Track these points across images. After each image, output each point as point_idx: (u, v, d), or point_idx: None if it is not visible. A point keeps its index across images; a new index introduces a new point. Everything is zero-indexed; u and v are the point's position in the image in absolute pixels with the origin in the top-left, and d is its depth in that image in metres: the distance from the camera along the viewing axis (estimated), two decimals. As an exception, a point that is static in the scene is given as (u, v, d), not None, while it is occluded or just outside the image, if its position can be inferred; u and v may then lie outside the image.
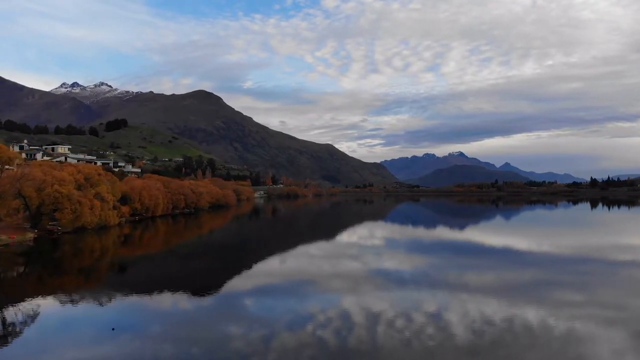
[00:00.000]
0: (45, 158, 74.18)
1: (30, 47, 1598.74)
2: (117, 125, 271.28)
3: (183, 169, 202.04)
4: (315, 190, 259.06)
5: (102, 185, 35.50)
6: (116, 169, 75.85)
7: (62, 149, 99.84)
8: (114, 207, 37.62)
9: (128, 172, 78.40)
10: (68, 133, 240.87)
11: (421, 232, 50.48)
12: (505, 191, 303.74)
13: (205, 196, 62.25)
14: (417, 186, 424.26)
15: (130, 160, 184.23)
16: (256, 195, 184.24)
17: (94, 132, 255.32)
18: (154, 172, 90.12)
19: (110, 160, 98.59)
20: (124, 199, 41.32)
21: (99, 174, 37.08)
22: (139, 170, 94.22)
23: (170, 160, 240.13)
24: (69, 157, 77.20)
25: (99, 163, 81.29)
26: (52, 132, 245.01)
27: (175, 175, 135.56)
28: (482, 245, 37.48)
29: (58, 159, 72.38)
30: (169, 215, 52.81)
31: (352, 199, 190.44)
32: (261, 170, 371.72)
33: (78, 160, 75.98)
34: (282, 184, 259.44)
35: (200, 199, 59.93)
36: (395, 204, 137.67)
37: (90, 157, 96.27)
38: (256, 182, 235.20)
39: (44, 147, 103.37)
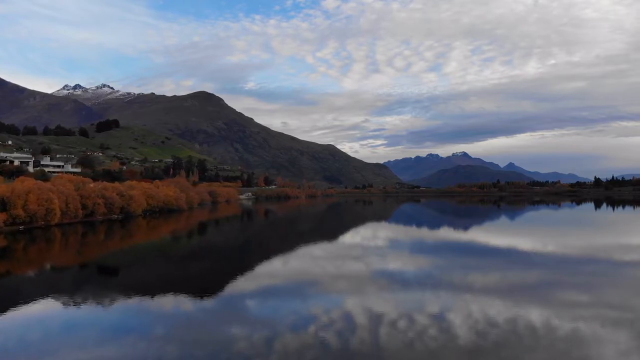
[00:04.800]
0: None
1: (34, 50, 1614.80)
2: (108, 126, 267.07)
3: (171, 169, 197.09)
4: (309, 191, 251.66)
5: None
6: (37, 168, 70.17)
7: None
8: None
9: (54, 172, 71.89)
10: (57, 134, 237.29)
11: (424, 233, 49.17)
12: (507, 191, 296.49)
13: (139, 199, 55.70)
14: (417, 187, 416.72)
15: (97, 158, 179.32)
16: (243, 196, 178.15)
17: (84, 133, 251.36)
18: (109, 173, 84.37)
19: (31, 157, 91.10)
20: (3, 205, 35.61)
21: None
22: (79, 170, 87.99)
23: (160, 161, 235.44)
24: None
25: (16, 162, 75.22)
26: (41, 133, 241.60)
27: (158, 177, 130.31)
28: (485, 245, 36.74)
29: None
30: (82, 223, 46.35)
31: (350, 200, 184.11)
32: (262, 171, 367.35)
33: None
34: (275, 184, 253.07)
35: (132, 202, 53.53)
36: (396, 205, 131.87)
37: (14, 155, 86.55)
38: (248, 183, 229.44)
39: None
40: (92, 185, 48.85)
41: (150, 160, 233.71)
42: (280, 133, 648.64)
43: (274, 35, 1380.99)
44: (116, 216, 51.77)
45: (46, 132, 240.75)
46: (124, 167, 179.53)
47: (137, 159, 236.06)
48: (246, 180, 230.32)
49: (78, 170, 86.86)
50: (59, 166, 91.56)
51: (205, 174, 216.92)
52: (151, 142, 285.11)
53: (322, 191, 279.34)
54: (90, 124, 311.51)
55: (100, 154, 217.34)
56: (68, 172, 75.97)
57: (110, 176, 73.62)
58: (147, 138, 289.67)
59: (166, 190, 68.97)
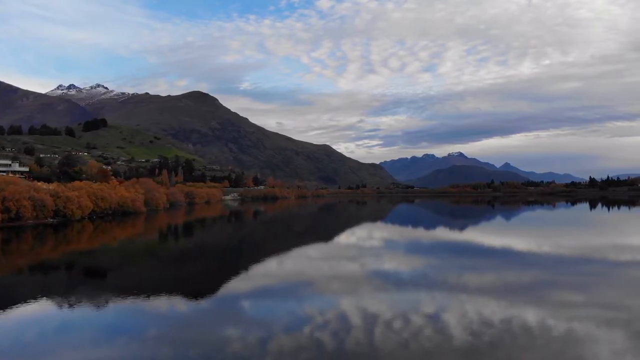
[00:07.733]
0: None
1: (27, 50, 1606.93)
2: (95, 125, 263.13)
3: (156, 169, 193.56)
4: (299, 191, 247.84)
5: None
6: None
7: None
8: None
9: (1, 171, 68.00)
10: (42, 133, 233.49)
11: (419, 233, 49.27)
12: (501, 191, 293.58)
13: (82, 201, 51.64)
14: (411, 187, 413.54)
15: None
16: (228, 197, 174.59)
17: (70, 132, 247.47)
18: (66, 173, 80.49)
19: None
20: None
21: None
22: (27, 169, 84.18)
23: (147, 161, 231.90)
24: None
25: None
26: (27, 132, 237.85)
27: (142, 177, 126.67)
28: (479, 246, 36.69)
29: None
30: (3, 229, 42.37)
31: (343, 201, 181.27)
32: (257, 171, 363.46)
33: None
34: (266, 185, 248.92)
35: (69, 204, 49.64)
36: (390, 205, 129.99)
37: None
38: (237, 183, 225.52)
39: None
40: (19, 185, 44.91)
41: (136, 160, 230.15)
42: (275, 133, 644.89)
43: (268, 35, 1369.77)
44: (51, 220, 47.81)
45: (32, 131, 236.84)
46: (109, 167, 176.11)
47: (124, 158, 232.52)
48: (234, 180, 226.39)
49: (25, 169, 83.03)
50: (5, 165, 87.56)
51: (193, 174, 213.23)
52: (139, 142, 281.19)
53: (312, 191, 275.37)
54: (77, 123, 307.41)
55: (86, 154, 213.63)
56: (15, 171, 72.20)
57: (68, 176, 70.01)
58: (135, 138, 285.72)
59: (122, 191, 65.01)
